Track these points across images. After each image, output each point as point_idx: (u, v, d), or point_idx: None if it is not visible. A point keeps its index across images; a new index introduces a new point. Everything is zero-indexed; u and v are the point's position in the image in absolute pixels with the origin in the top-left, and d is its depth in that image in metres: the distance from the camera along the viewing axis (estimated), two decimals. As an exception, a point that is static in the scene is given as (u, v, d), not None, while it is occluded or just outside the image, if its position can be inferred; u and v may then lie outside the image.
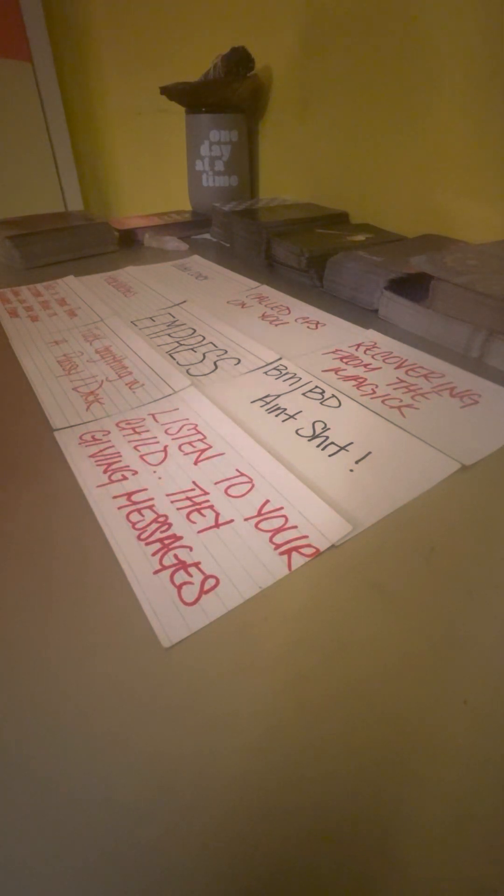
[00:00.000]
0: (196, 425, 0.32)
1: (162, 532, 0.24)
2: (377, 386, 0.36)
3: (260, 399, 0.35)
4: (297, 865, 0.14)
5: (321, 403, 0.34)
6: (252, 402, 0.35)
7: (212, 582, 0.21)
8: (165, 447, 0.30)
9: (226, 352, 0.42)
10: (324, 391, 0.36)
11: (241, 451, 0.30)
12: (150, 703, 0.17)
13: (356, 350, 0.42)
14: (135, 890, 0.13)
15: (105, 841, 0.14)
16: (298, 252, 0.57)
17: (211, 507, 0.25)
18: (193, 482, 0.27)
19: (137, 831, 0.14)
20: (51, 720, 0.17)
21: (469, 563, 0.22)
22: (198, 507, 0.25)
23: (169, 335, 0.46)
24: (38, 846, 0.14)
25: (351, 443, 0.30)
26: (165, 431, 0.32)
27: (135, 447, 0.30)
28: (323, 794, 0.15)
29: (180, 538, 0.24)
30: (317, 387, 0.36)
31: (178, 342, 0.44)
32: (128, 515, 0.25)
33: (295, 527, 0.24)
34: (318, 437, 0.31)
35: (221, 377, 0.38)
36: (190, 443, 0.31)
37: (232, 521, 0.25)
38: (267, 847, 0.14)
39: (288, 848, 0.14)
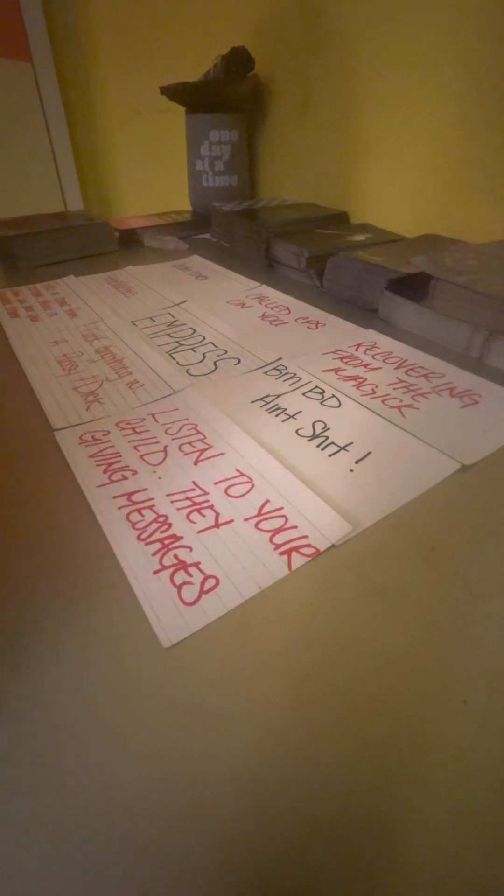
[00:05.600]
0: (196, 425, 0.32)
1: (162, 532, 0.24)
2: (377, 386, 0.36)
3: (260, 399, 0.35)
4: (297, 865, 0.14)
5: (321, 403, 0.34)
6: (252, 402, 0.35)
7: (212, 582, 0.21)
8: (165, 447, 0.30)
9: (226, 352, 0.42)
10: (324, 391, 0.36)
11: (241, 451, 0.30)
12: (150, 702, 0.17)
13: (356, 350, 0.42)
14: (134, 890, 0.13)
15: (105, 841, 0.14)
16: (298, 252, 0.57)
17: (211, 507, 0.25)
18: (193, 482, 0.27)
19: (137, 831, 0.14)
20: (50, 720, 0.17)
21: (469, 563, 0.22)
22: (198, 507, 0.25)
23: (169, 335, 0.46)
24: (37, 846, 0.14)
25: (351, 443, 0.30)
26: (165, 431, 0.32)
27: (135, 447, 0.30)
28: (323, 794, 0.15)
29: (180, 538, 0.24)
30: (317, 387, 0.36)
31: (178, 342, 0.44)
32: (128, 515, 0.25)
33: (295, 527, 0.24)
34: (318, 437, 0.31)
35: (221, 377, 0.38)
36: (190, 443, 0.31)
37: (232, 521, 0.25)
38: (267, 847, 0.14)
39: (288, 848, 0.14)
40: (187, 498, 0.26)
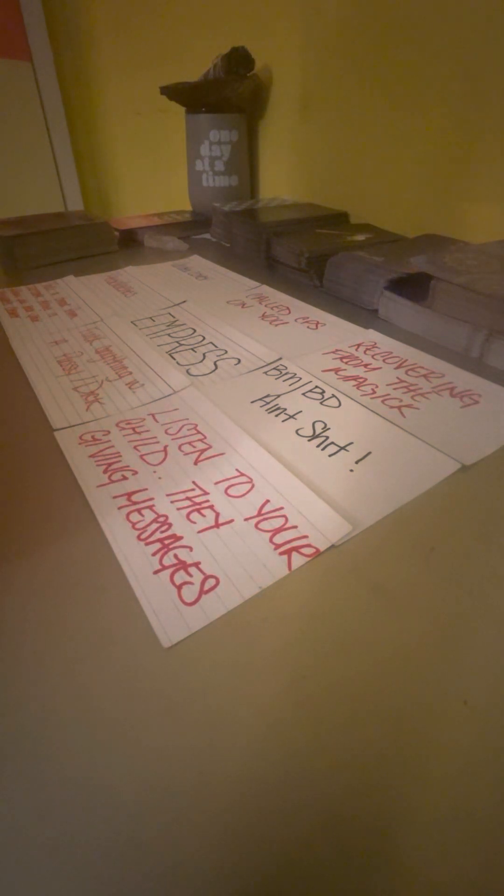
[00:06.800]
0: (196, 425, 0.32)
1: (162, 532, 0.24)
2: (377, 386, 0.36)
3: (260, 399, 0.35)
4: (297, 863, 0.14)
5: (321, 403, 0.34)
6: (252, 402, 0.35)
7: (212, 582, 0.21)
8: (165, 447, 0.30)
9: (226, 352, 0.42)
10: (324, 391, 0.36)
11: (241, 451, 0.30)
12: (150, 702, 0.17)
13: (356, 350, 0.42)
14: (135, 887, 0.13)
15: (106, 839, 0.14)
16: (298, 252, 0.57)
17: (211, 507, 0.25)
18: (193, 482, 0.27)
19: (138, 829, 0.14)
20: (51, 719, 0.17)
21: (469, 563, 0.22)
22: (198, 507, 0.25)
23: (169, 335, 0.46)
24: (39, 843, 0.14)
25: (351, 443, 0.30)
26: (165, 431, 0.32)
27: (135, 447, 0.30)
28: (322, 794, 0.15)
29: (180, 538, 0.24)
30: (317, 387, 0.36)
31: (178, 342, 0.44)
32: (128, 515, 0.25)
33: (295, 527, 0.24)
34: (318, 437, 0.31)
35: (221, 377, 0.38)
36: (190, 443, 0.31)
37: (232, 521, 0.25)
38: (266, 845, 0.14)
39: (287, 846, 0.14)
40: (187, 498, 0.26)
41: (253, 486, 0.27)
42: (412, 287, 0.46)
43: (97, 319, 0.49)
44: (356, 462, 0.29)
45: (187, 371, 0.39)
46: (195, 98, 0.77)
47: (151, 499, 0.26)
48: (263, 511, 0.25)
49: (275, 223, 0.65)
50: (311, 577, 0.22)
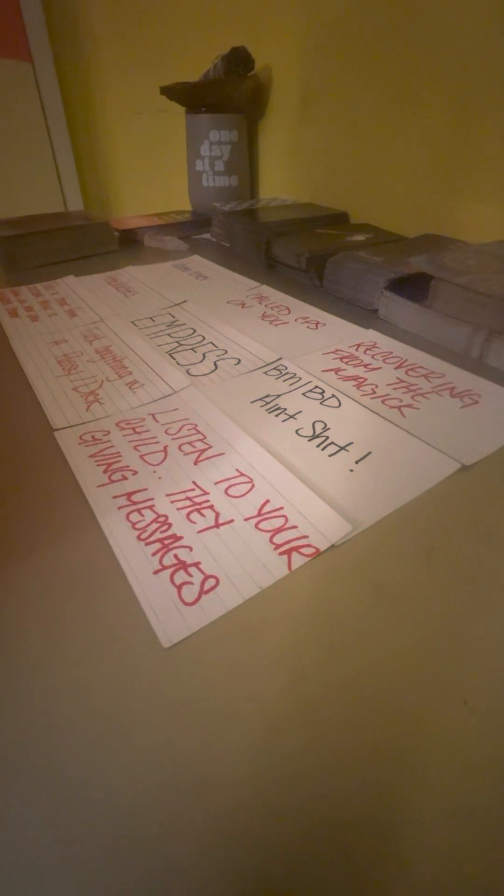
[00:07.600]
0: (196, 425, 0.32)
1: (162, 532, 0.24)
2: (377, 386, 0.36)
3: (260, 399, 0.35)
4: (297, 863, 0.14)
5: (321, 403, 0.34)
6: (252, 402, 0.35)
7: (212, 582, 0.21)
8: (165, 447, 0.30)
9: (226, 352, 0.42)
10: (324, 391, 0.36)
11: (241, 451, 0.30)
12: (150, 702, 0.17)
13: (356, 350, 0.42)
14: (135, 886, 0.13)
15: (106, 838, 0.14)
16: (298, 252, 0.57)
17: (211, 507, 0.25)
18: (193, 482, 0.27)
19: (137, 829, 0.14)
20: (51, 720, 0.17)
21: (469, 563, 0.22)
22: (198, 507, 0.25)
23: (169, 335, 0.46)
24: (38, 843, 0.14)
25: (351, 443, 0.30)
26: (165, 431, 0.32)
27: (135, 447, 0.30)
28: (322, 794, 0.15)
29: (180, 538, 0.24)
30: (317, 387, 0.36)
31: (178, 342, 0.44)
32: (128, 515, 0.25)
33: (295, 527, 0.24)
34: (318, 437, 0.31)
35: (221, 377, 0.38)
36: (190, 443, 0.31)
37: (232, 521, 0.25)
38: (266, 844, 0.14)
39: (287, 846, 0.14)
40: (187, 498, 0.26)
41: (253, 486, 0.27)
42: (412, 287, 0.46)
43: (97, 319, 0.49)
44: (356, 462, 0.29)
45: (187, 371, 0.39)
46: (195, 98, 0.77)
47: (151, 499, 0.26)
48: (263, 511, 0.25)
49: (275, 223, 0.65)
50: (311, 577, 0.22)
